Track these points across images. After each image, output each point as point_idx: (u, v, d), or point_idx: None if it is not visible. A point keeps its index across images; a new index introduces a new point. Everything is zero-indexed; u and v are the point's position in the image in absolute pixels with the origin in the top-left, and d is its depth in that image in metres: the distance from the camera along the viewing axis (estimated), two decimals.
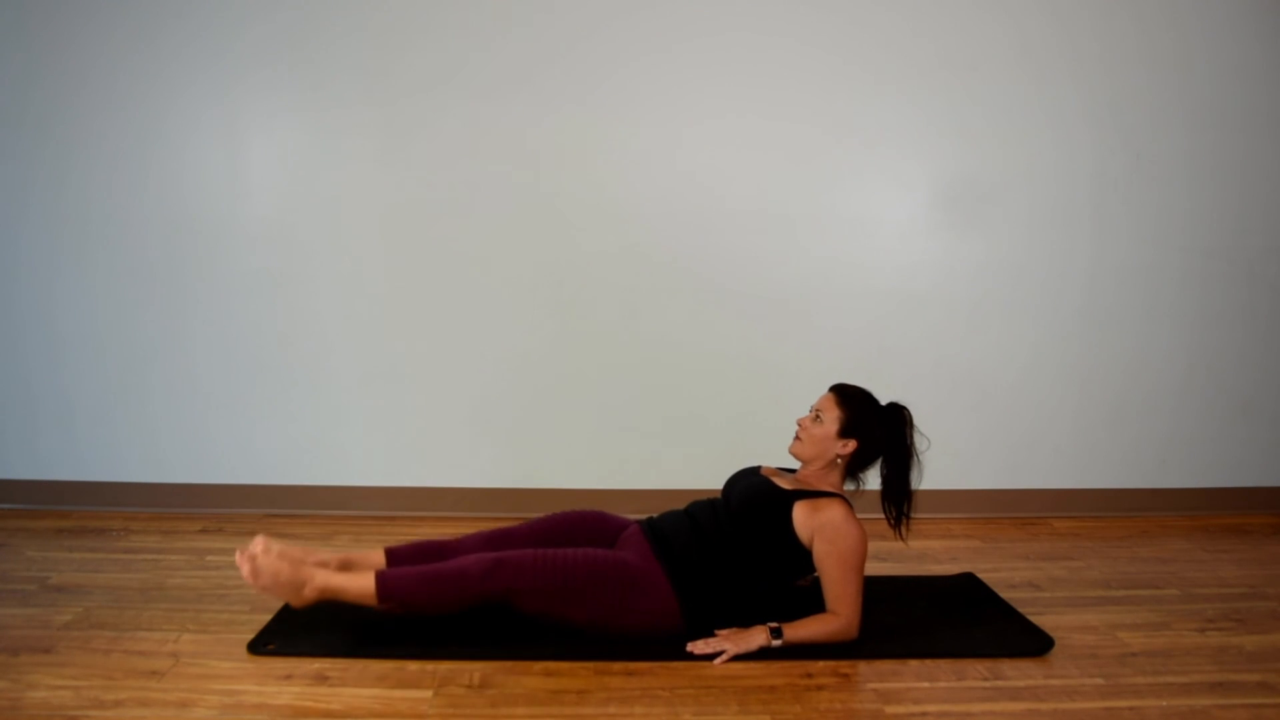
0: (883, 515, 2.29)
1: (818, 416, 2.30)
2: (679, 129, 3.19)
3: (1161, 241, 3.31)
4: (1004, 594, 2.54)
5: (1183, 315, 3.35)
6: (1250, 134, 3.28)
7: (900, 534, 2.28)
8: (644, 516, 2.39)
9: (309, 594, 2.07)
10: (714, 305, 3.25)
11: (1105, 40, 3.23)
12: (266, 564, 2.04)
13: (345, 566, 2.20)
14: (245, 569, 2.04)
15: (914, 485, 2.28)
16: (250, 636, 2.17)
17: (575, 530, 2.34)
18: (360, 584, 2.07)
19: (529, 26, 3.14)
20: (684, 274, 3.23)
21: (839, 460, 2.29)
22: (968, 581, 2.65)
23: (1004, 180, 3.26)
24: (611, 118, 3.18)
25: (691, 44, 3.17)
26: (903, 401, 2.31)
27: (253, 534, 2.94)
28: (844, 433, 2.27)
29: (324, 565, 2.16)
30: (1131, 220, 3.30)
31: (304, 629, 2.22)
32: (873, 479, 2.34)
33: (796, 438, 2.32)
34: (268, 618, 2.28)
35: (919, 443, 2.27)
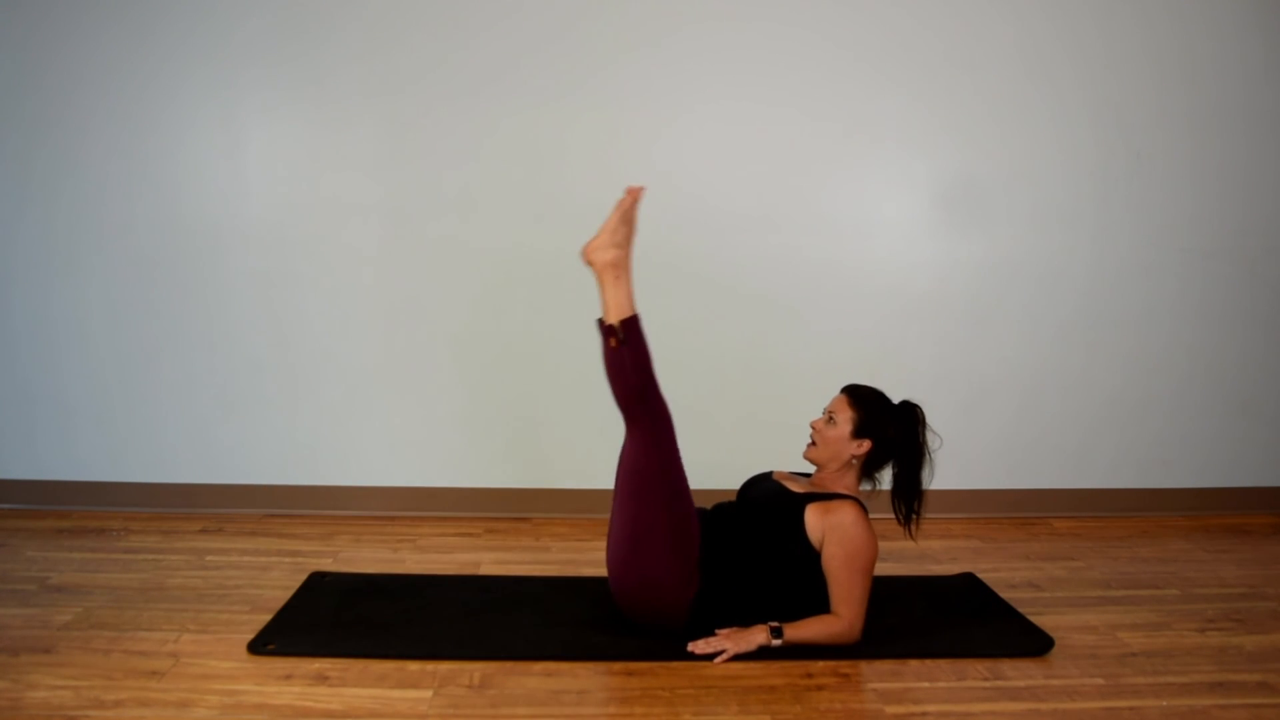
0: (894, 516, 2.29)
1: (831, 418, 2.29)
2: (679, 129, 3.19)
3: (1162, 241, 3.31)
4: (1004, 594, 2.54)
5: (1183, 315, 3.35)
6: (1251, 134, 3.28)
7: (910, 532, 2.28)
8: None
9: (619, 254, 2.23)
10: (715, 304, 3.25)
11: (1106, 40, 3.23)
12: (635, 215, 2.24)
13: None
14: (636, 190, 2.24)
15: (925, 483, 2.28)
16: (250, 636, 2.17)
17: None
18: (629, 299, 2.23)
19: (530, 25, 3.14)
20: (684, 273, 3.23)
21: (854, 461, 2.29)
22: (968, 581, 2.65)
23: (1005, 180, 3.26)
24: (611, 117, 3.18)
25: (692, 44, 3.17)
26: (904, 400, 2.31)
27: (253, 534, 2.99)
28: (858, 433, 2.27)
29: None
30: (1132, 220, 3.30)
31: (304, 629, 2.22)
32: (889, 478, 2.34)
33: (811, 442, 2.32)
34: (268, 618, 2.28)
35: (931, 441, 2.27)
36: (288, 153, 3.19)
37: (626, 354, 2.14)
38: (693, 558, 2.17)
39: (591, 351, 3.26)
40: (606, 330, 2.18)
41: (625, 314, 2.18)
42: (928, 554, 2.90)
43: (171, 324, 3.22)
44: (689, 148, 3.20)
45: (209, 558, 2.77)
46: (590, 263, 2.22)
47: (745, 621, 2.18)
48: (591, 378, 3.27)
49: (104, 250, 3.18)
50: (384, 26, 3.13)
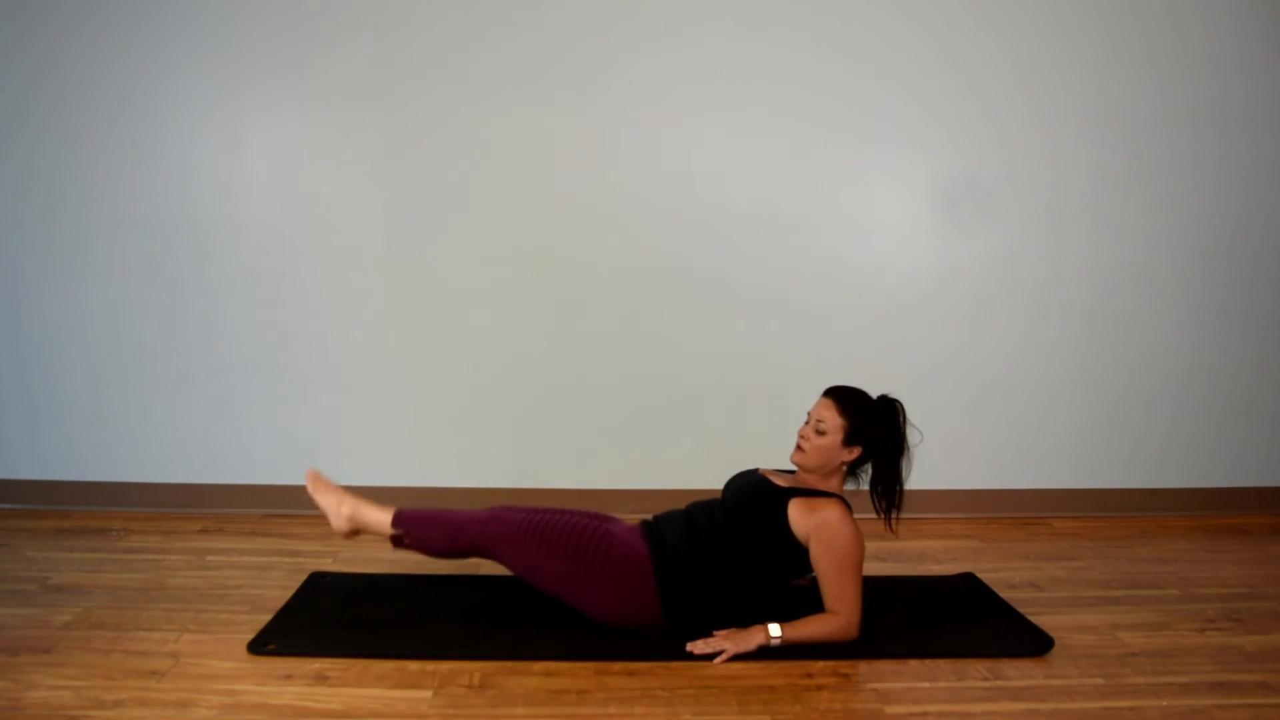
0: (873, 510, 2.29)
1: (819, 427, 2.27)
2: (680, 129, 3.19)
3: (1161, 241, 3.31)
4: (1004, 594, 2.54)
5: (1182, 315, 3.35)
6: (1250, 134, 3.28)
7: (890, 525, 2.28)
8: (646, 517, 2.40)
9: (350, 506, 2.36)
10: (715, 305, 3.25)
11: (1105, 40, 3.22)
12: (324, 484, 2.40)
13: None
14: (310, 482, 2.40)
15: (904, 477, 2.28)
16: (250, 636, 2.17)
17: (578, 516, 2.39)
18: (379, 511, 2.36)
19: (531, 28, 3.14)
20: (685, 274, 3.23)
21: (843, 466, 2.29)
22: (968, 581, 2.65)
23: (1005, 180, 3.26)
24: (612, 118, 3.18)
25: (693, 46, 3.17)
26: (903, 401, 2.30)
27: (253, 534, 3.00)
28: (849, 440, 2.26)
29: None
30: (1131, 220, 3.30)
31: (304, 629, 2.22)
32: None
33: (799, 448, 2.31)
34: (268, 618, 2.29)
35: (911, 436, 2.27)
36: (288, 153, 3.19)
37: (418, 531, 2.34)
38: (640, 572, 2.19)
39: (592, 352, 3.28)
40: (396, 541, 2.36)
41: (390, 525, 2.35)
42: (928, 554, 2.90)
43: (172, 324, 3.22)
44: (689, 148, 3.20)
45: (209, 558, 2.77)
46: (350, 530, 2.38)
47: (733, 618, 2.19)
48: (591, 378, 3.29)
49: (104, 250, 3.18)
50: (385, 28, 3.13)
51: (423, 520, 2.35)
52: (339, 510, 2.36)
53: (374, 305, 3.24)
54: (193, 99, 3.13)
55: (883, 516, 2.28)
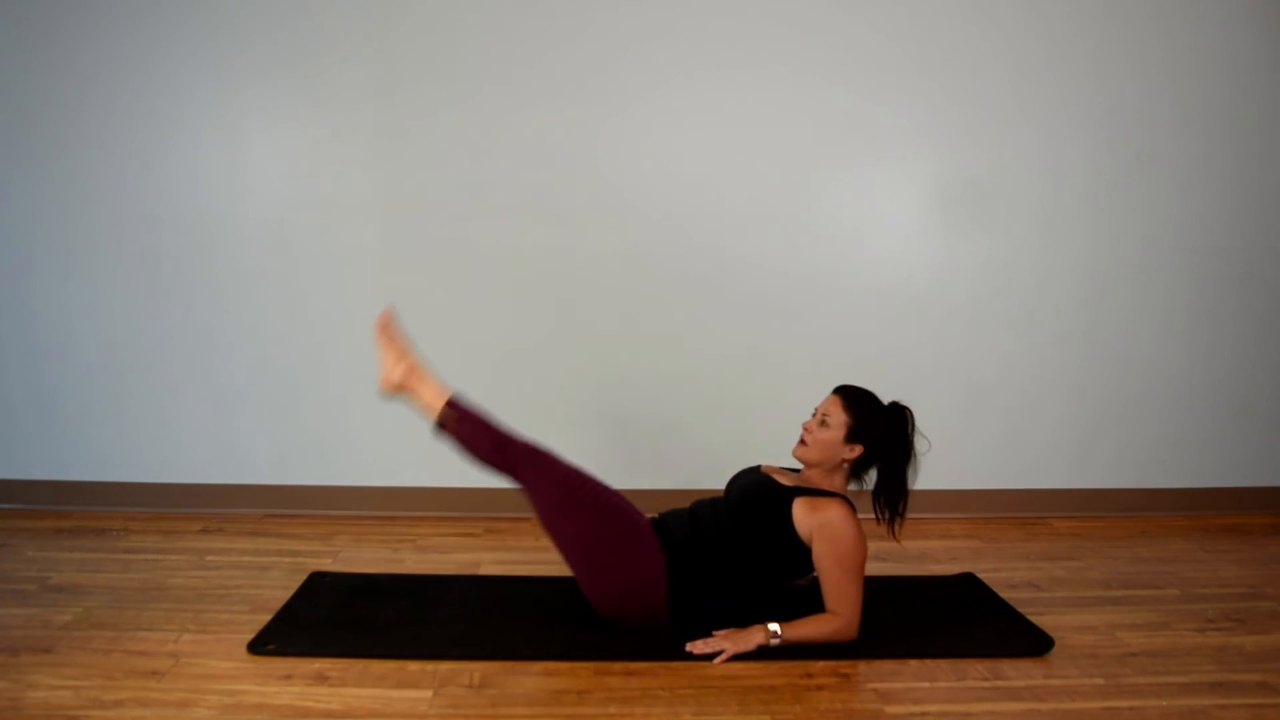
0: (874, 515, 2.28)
1: (824, 420, 2.29)
2: (679, 129, 3.19)
3: (1160, 241, 3.31)
4: (1004, 594, 2.54)
5: (1182, 315, 3.35)
6: (1249, 134, 3.28)
7: (893, 533, 2.27)
8: (650, 515, 2.40)
9: (407, 365, 2.30)
10: (714, 304, 3.25)
11: (1102, 41, 3.22)
12: (394, 332, 2.33)
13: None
14: (385, 316, 2.34)
15: (910, 485, 2.27)
16: (250, 636, 2.17)
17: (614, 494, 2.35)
18: (439, 387, 2.30)
19: (528, 26, 3.14)
20: (684, 274, 3.23)
21: (845, 464, 2.29)
22: (968, 581, 2.65)
23: (1004, 181, 3.26)
24: (612, 118, 3.18)
25: (693, 46, 3.17)
26: (903, 401, 2.31)
27: (253, 534, 3.00)
28: (851, 437, 2.26)
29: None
30: (1130, 220, 3.30)
31: (304, 629, 2.22)
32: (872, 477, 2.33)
33: (801, 441, 2.31)
34: (268, 618, 2.29)
35: (919, 444, 2.27)
36: (292, 155, 3.19)
37: (467, 425, 2.26)
38: (649, 554, 2.17)
39: (591, 351, 3.28)
40: (441, 424, 2.27)
41: (444, 398, 2.28)
42: (928, 554, 2.90)
43: (171, 324, 3.22)
44: (689, 148, 3.20)
45: (209, 558, 2.77)
46: (395, 388, 2.33)
47: (736, 615, 2.19)
48: (590, 377, 3.29)
49: (107, 253, 3.18)
50: (384, 27, 3.13)
51: (475, 418, 2.27)
52: (395, 364, 2.30)
53: (374, 305, 3.21)
54: (199, 102, 3.13)
55: (885, 523, 2.28)
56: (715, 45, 3.17)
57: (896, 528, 2.27)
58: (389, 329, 2.34)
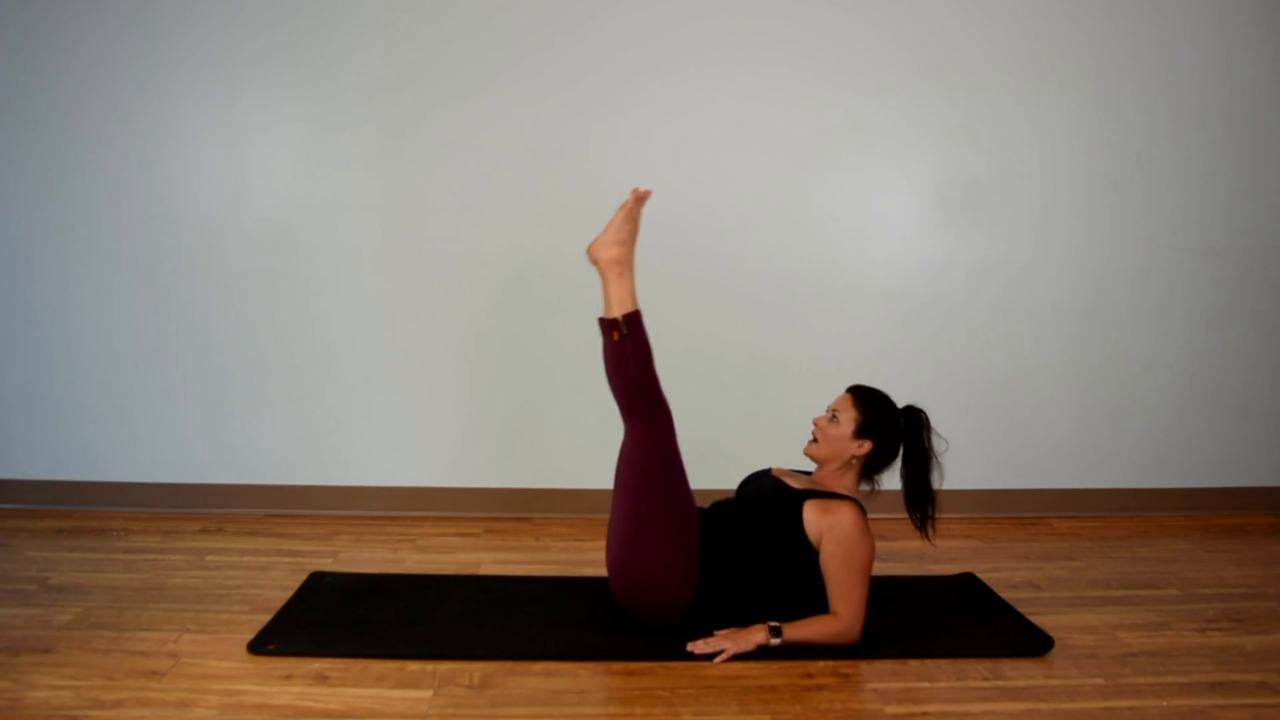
0: (896, 516, 2.30)
1: (834, 416, 2.29)
2: (679, 129, 3.19)
3: (1161, 241, 3.31)
4: (1004, 594, 2.54)
5: (1182, 315, 3.35)
6: (1249, 134, 3.28)
7: (927, 536, 2.28)
8: None
9: (623, 252, 2.25)
10: (714, 305, 3.25)
11: (1104, 41, 3.23)
12: (636, 220, 2.27)
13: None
14: (638, 195, 2.25)
15: (935, 487, 2.27)
16: (250, 636, 2.17)
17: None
18: (632, 294, 2.25)
19: (530, 26, 3.14)
20: (684, 274, 3.23)
21: (854, 461, 2.29)
22: (968, 581, 2.65)
23: (1004, 181, 3.27)
24: (612, 118, 3.18)
25: (693, 45, 3.17)
26: (902, 401, 2.31)
27: (253, 534, 2.99)
28: (860, 433, 2.27)
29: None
30: (1131, 220, 3.30)
31: (304, 629, 2.22)
32: (889, 481, 2.33)
33: (813, 438, 2.32)
34: (268, 618, 2.28)
35: (937, 445, 2.27)
36: (289, 153, 3.19)
37: (629, 347, 2.18)
38: (692, 552, 2.17)
39: (591, 351, 3.25)
40: (609, 325, 2.20)
41: (628, 309, 2.22)
42: (928, 554, 2.90)
43: (172, 323, 3.22)
44: (689, 148, 3.20)
45: (209, 558, 2.77)
46: (595, 260, 2.26)
47: (744, 618, 2.18)
48: (591, 377, 3.27)
49: (107, 252, 3.18)
50: (385, 27, 3.13)
51: (641, 344, 2.20)
52: (611, 244, 2.23)
53: (374, 305, 3.24)
54: (198, 102, 3.13)
55: (919, 528, 2.28)
56: (716, 45, 3.17)
57: (929, 530, 2.28)
58: (634, 210, 2.25)
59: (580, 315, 3.25)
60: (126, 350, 3.22)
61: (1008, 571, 2.76)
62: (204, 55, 3.12)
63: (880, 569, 2.71)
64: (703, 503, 2.38)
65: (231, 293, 3.21)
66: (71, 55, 3.10)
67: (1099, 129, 3.25)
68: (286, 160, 3.19)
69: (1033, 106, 3.24)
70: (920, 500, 2.27)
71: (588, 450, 3.30)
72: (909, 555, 2.84)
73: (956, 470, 3.27)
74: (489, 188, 3.19)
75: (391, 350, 3.25)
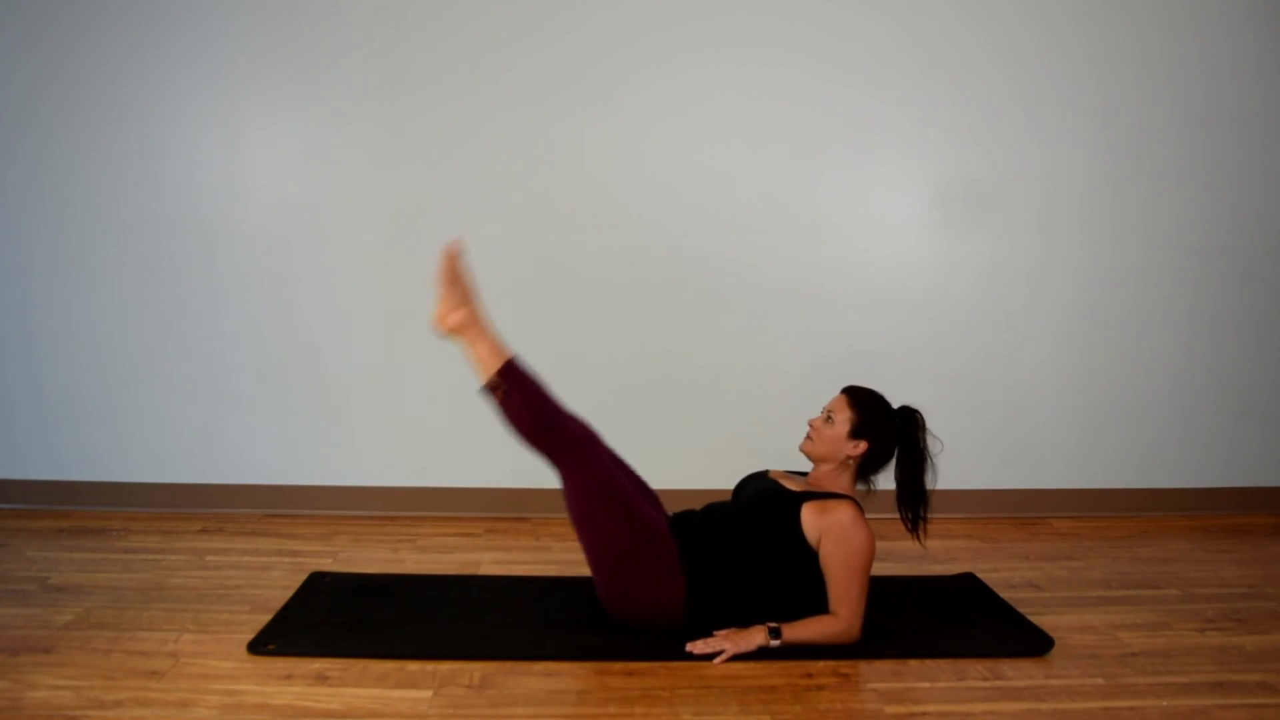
0: (894, 516, 2.29)
1: (829, 417, 2.29)
2: (679, 129, 3.19)
3: (1161, 241, 3.31)
4: (1004, 594, 2.54)
5: (1182, 315, 3.35)
6: (1249, 134, 3.28)
7: (918, 538, 2.28)
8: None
9: (465, 314, 2.20)
10: (714, 305, 3.25)
11: (1103, 42, 3.23)
12: (459, 272, 2.20)
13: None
14: (453, 248, 2.19)
15: (929, 488, 2.28)
16: (250, 636, 2.17)
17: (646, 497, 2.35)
18: (496, 347, 2.20)
19: (529, 25, 3.14)
20: (685, 274, 3.23)
21: (850, 461, 2.29)
22: (968, 581, 2.65)
23: (1004, 181, 3.27)
24: (612, 118, 3.18)
25: (693, 46, 3.17)
26: (902, 401, 2.31)
27: (253, 534, 3.00)
28: (855, 434, 2.27)
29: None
30: (1131, 220, 3.30)
31: (304, 629, 2.22)
32: (885, 481, 2.33)
33: (808, 437, 2.32)
34: (268, 618, 2.28)
35: (932, 446, 2.27)
36: (291, 154, 3.19)
37: (516, 399, 2.17)
38: (668, 561, 2.16)
39: (591, 352, 3.27)
40: (490, 388, 2.18)
41: (498, 364, 2.19)
42: (928, 554, 2.90)
43: (172, 323, 3.22)
44: (690, 150, 3.20)
45: (209, 558, 2.77)
46: (444, 332, 2.24)
47: (745, 620, 2.18)
48: (591, 377, 3.28)
49: (107, 252, 3.18)
50: (386, 31, 3.13)
51: (528, 392, 2.17)
52: (453, 309, 2.18)
53: (374, 305, 3.24)
54: (198, 101, 3.13)
55: (910, 529, 2.28)
56: (716, 45, 3.17)
57: (921, 531, 2.28)
58: (453, 268, 2.19)
59: (580, 315, 3.26)
60: (127, 350, 3.22)
61: (1008, 571, 2.76)
62: (205, 57, 3.12)
63: (880, 569, 2.71)
64: (698, 503, 2.38)
65: (231, 292, 3.21)
66: (71, 54, 3.10)
67: (1099, 129, 3.25)
68: (286, 160, 3.19)
69: (1033, 106, 3.24)
70: (913, 500, 2.27)
71: None
72: (909, 555, 2.84)
73: (957, 470, 3.27)
74: (489, 187, 3.19)
75: (391, 350, 3.25)
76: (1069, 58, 3.23)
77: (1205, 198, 3.30)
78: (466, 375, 3.26)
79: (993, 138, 3.24)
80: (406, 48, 3.14)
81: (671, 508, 2.41)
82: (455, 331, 2.22)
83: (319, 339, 3.24)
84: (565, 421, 2.22)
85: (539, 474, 3.27)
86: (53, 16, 3.09)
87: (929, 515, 2.28)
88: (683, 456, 3.27)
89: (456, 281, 2.21)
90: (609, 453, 2.29)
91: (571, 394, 3.25)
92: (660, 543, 2.17)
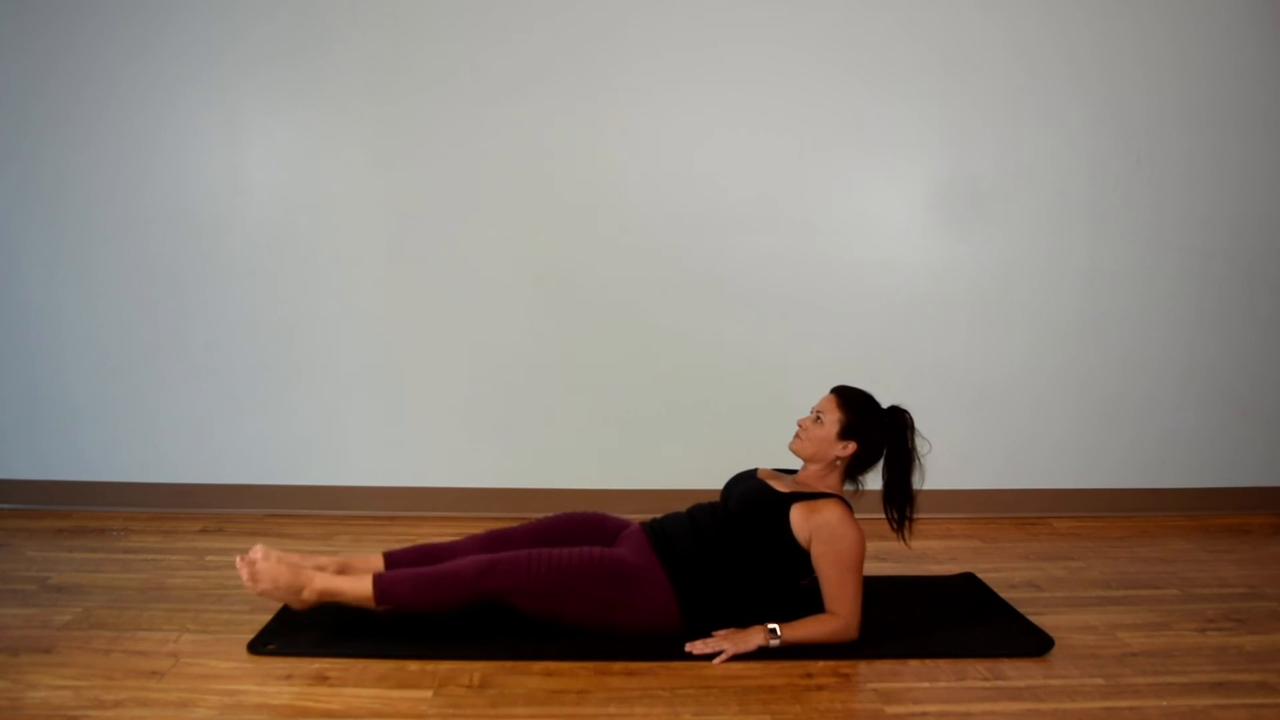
0: (882, 516, 2.29)
1: (818, 417, 2.30)
2: (681, 129, 3.19)
3: (1160, 242, 3.31)
4: (1004, 594, 2.54)
5: (1182, 315, 3.35)
6: (1249, 135, 3.28)
7: (903, 537, 2.28)
8: (646, 517, 2.39)
9: (308, 596, 2.11)
10: (715, 305, 3.25)
11: (1105, 41, 3.23)
12: (266, 569, 2.08)
13: (343, 570, 2.24)
14: (245, 574, 2.08)
15: (915, 488, 2.28)
16: (250, 636, 2.17)
17: (574, 531, 2.35)
18: (358, 587, 2.11)
19: (532, 27, 3.14)
20: (685, 273, 3.23)
21: (838, 462, 2.29)
22: (968, 581, 2.65)
23: (1004, 181, 3.26)
24: (613, 119, 3.18)
25: (694, 46, 3.17)
26: (903, 402, 2.31)
27: (253, 534, 3.00)
28: (844, 435, 2.27)
29: (322, 569, 2.20)
30: (1131, 221, 3.30)
31: (304, 629, 2.22)
32: (873, 480, 2.34)
33: (797, 436, 2.33)
34: (268, 618, 2.28)
35: (920, 446, 2.27)
36: (289, 152, 3.19)
37: (411, 599, 2.11)
38: (647, 579, 2.15)
39: (591, 352, 3.27)
40: (385, 611, 2.12)
41: (371, 599, 2.10)
42: (928, 554, 2.90)
43: (172, 324, 3.22)
44: (690, 149, 3.20)
45: (209, 558, 2.77)
46: (305, 604, 2.13)
47: (743, 622, 2.18)
48: (591, 377, 3.29)
49: (107, 251, 3.18)
50: (386, 26, 3.13)
51: (410, 587, 2.10)
52: (298, 598, 2.09)
53: (374, 305, 3.24)
54: (194, 98, 3.13)
55: (895, 529, 2.28)
56: (717, 45, 3.17)
57: (906, 531, 2.28)
58: (260, 578, 2.06)
59: (580, 315, 3.26)
60: (126, 350, 3.22)
61: (1008, 571, 2.76)
62: (202, 53, 3.11)
63: (880, 569, 2.72)
64: (688, 504, 2.37)
65: (231, 291, 3.21)
66: (67, 52, 3.10)
67: (1100, 129, 3.25)
68: (286, 159, 3.19)
69: (1034, 107, 3.23)
70: (899, 500, 2.27)
71: (588, 450, 3.31)
72: (909, 555, 2.84)
73: (957, 470, 3.30)
74: (490, 187, 3.19)
75: (391, 350, 3.25)
76: (1071, 58, 3.22)
77: (1205, 198, 3.30)
78: (466, 375, 3.28)
79: (996, 137, 3.24)
80: (409, 48, 3.14)
81: (670, 507, 2.42)
82: (320, 600, 2.12)
83: (319, 339, 3.24)
84: (459, 574, 2.12)
85: (539, 474, 3.30)
86: (48, 12, 3.08)
87: (914, 515, 2.28)
88: (680, 456, 3.28)
89: (277, 581, 2.08)
90: (522, 552, 2.19)
91: (569, 394, 3.27)
92: (629, 569, 2.16)
